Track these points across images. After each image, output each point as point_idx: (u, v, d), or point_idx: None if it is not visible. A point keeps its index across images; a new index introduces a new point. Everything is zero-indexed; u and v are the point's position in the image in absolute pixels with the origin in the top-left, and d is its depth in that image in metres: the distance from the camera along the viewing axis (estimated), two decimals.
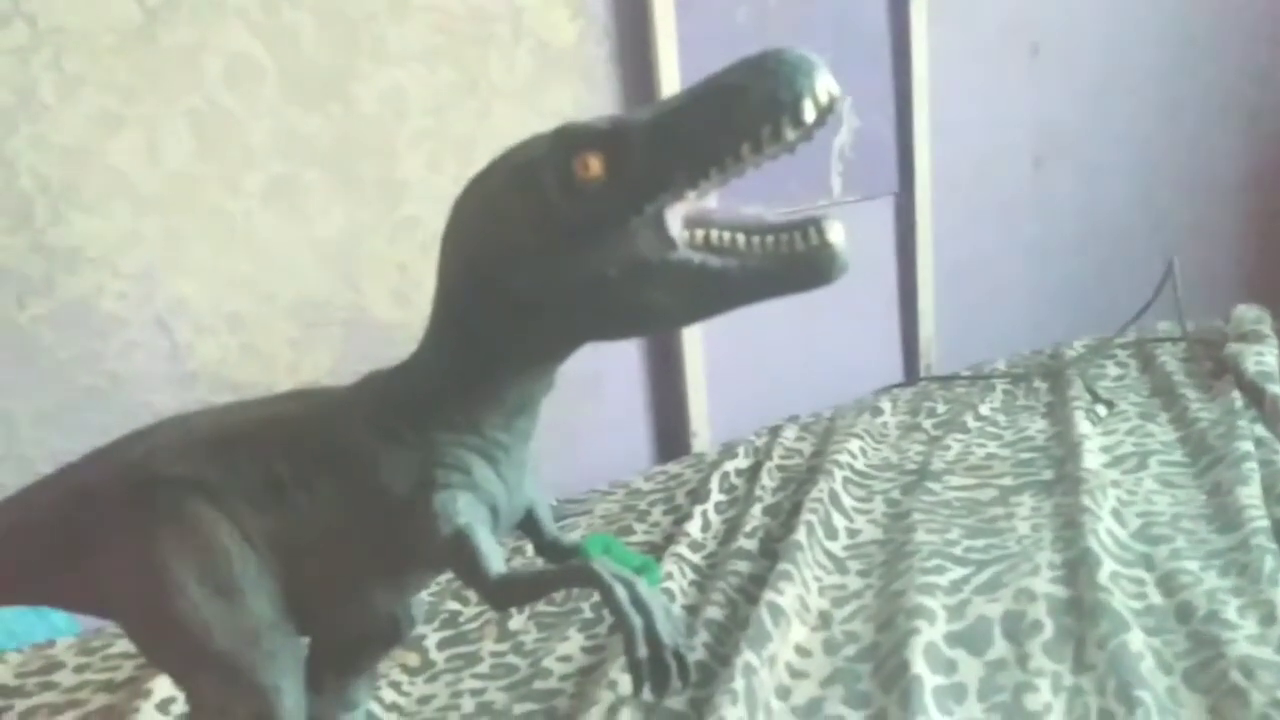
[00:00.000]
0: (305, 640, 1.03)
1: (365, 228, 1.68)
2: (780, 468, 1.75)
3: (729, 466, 1.74)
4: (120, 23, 1.49)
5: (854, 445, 1.76)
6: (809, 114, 0.81)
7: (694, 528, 1.55)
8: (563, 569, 0.95)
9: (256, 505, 0.95)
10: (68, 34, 1.46)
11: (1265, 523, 1.37)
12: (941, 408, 1.97)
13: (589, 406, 1.92)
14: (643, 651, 0.87)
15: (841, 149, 2.08)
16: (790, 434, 1.88)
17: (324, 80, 1.62)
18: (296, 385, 1.60)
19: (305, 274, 1.65)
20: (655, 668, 0.88)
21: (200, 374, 1.58)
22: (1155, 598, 1.27)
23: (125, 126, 1.51)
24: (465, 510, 0.93)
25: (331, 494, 0.95)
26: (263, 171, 1.59)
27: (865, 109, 2.09)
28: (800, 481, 1.68)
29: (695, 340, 1.97)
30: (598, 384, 1.92)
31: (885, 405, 2.00)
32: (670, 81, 1.82)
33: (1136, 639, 1.16)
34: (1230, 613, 1.21)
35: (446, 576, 1.29)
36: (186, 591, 0.93)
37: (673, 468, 1.84)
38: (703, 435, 2.00)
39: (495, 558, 0.92)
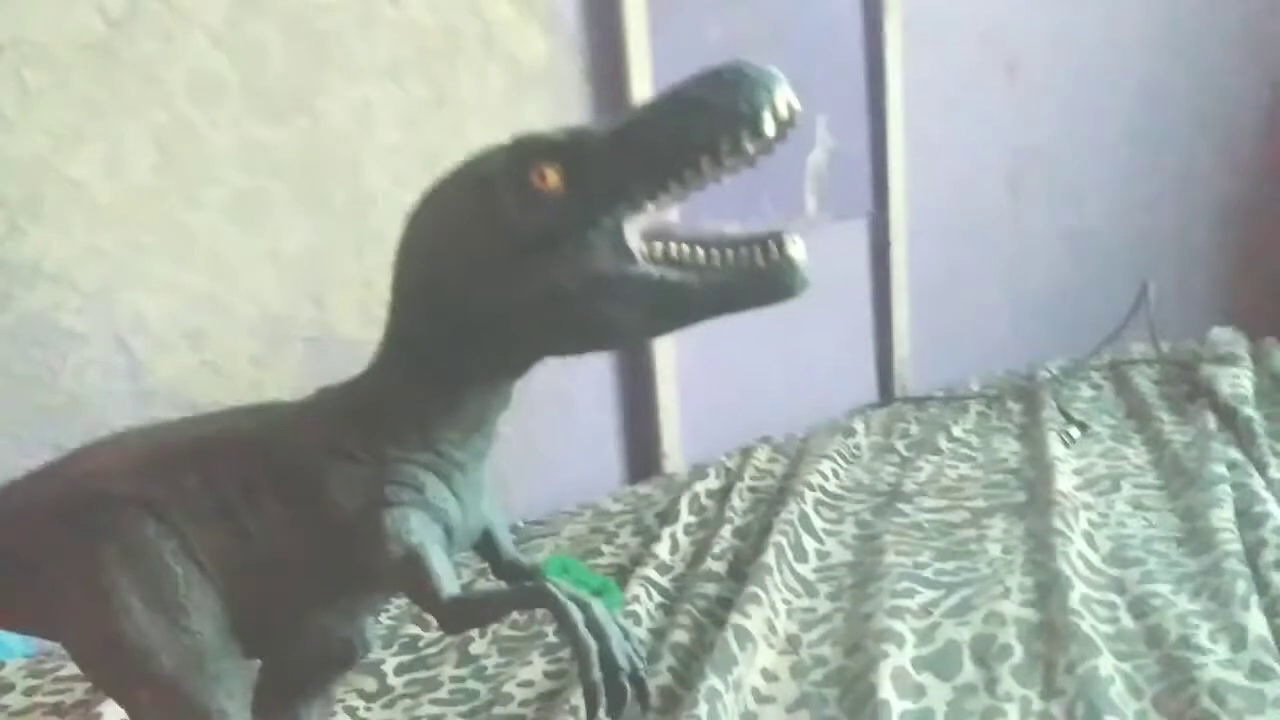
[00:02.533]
0: (255, 663, 1.00)
1: (331, 243, 1.65)
2: (751, 489, 1.73)
3: (699, 488, 1.72)
4: (82, 35, 1.46)
5: (826, 466, 1.74)
6: (768, 127, 0.80)
7: (662, 550, 1.53)
8: (516, 590, 0.93)
9: (203, 524, 0.93)
10: (29, 46, 1.44)
11: (1237, 546, 1.36)
12: (915, 429, 1.96)
13: (559, 426, 1.89)
14: (596, 674, 0.85)
15: (817, 168, 2.07)
16: (762, 455, 1.86)
17: (290, 94, 1.59)
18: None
19: (269, 290, 1.62)
20: (610, 691, 0.86)
21: (159, 392, 1.55)
22: (1126, 622, 1.26)
23: (86, 140, 1.48)
24: (417, 529, 0.91)
25: (280, 512, 0.93)
26: (226, 185, 1.57)
27: (840, 129, 2.08)
28: (771, 503, 1.66)
29: (668, 359, 1.94)
30: (568, 403, 1.89)
31: (859, 426, 1.98)
32: (643, 98, 1.80)
33: (1107, 663, 1.15)
34: (1202, 637, 1.20)
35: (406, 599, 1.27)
36: (130, 612, 0.91)
37: (642, 489, 1.82)
38: (674, 456, 1.98)
39: (448, 578, 0.90)
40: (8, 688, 1.33)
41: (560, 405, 1.88)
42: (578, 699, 1.14)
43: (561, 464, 1.90)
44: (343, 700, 1.24)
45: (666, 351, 1.94)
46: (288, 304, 1.63)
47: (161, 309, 1.55)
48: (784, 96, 0.81)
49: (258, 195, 1.59)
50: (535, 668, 1.28)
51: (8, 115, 1.44)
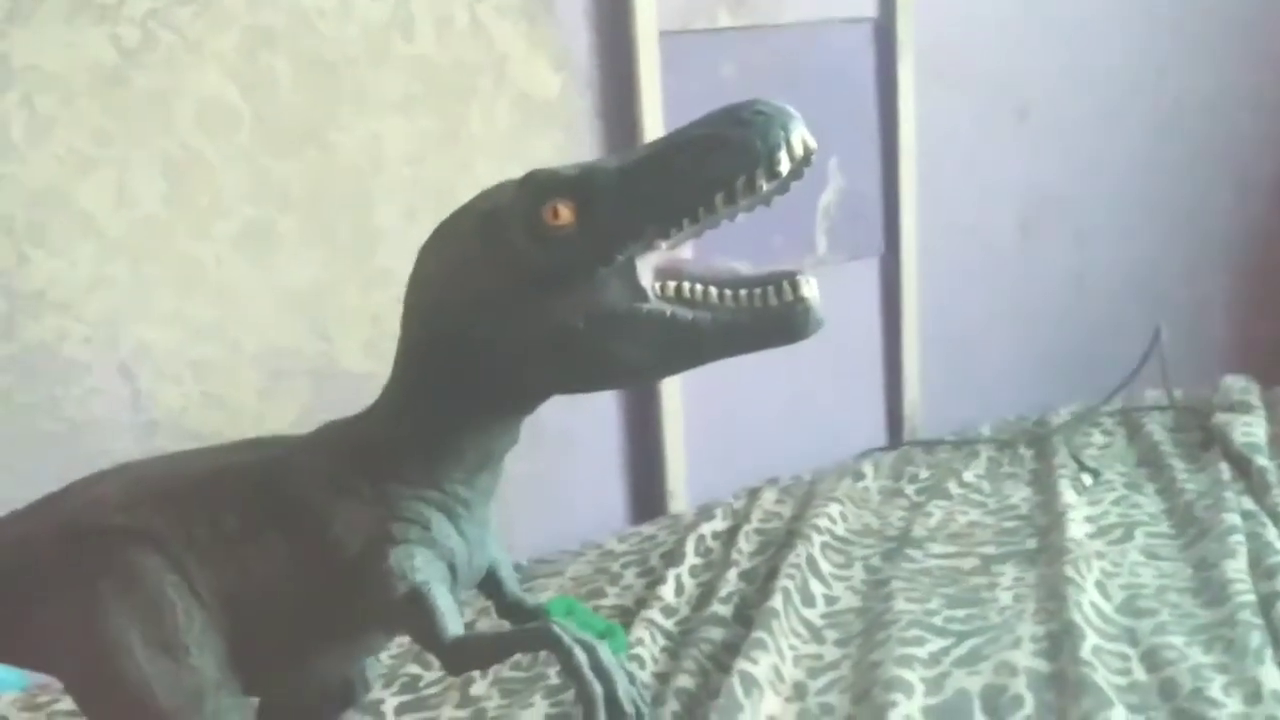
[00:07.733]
0: (254, 701, 0.98)
1: (338, 277, 1.65)
2: (758, 531, 1.70)
3: (705, 529, 1.70)
4: (95, 64, 1.46)
5: (834, 510, 1.72)
6: (784, 165, 0.79)
7: (667, 592, 1.51)
8: (521, 631, 0.91)
9: (205, 558, 0.92)
10: (41, 73, 1.43)
11: (1251, 597, 1.34)
12: (924, 473, 1.94)
13: (563, 464, 1.87)
14: (601, 718, 0.83)
15: (827, 207, 2.06)
16: (770, 497, 1.84)
17: (301, 127, 1.59)
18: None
19: (274, 322, 1.61)
20: None
21: (161, 422, 1.54)
22: (1139, 674, 1.23)
23: (95, 168, 1.48)
24: (422, 567, 0.89)
25: (282, 548, 0.92)
26: (234, 217, 1.56)
27: (851, 169, 2.07)
28: (778, 546, 1.64)
29: (674, 398, 1.93)
30: (572, 441, 1.88)
31: (867, 469, 1.96)
32: (654, 135, 1.80)
33: (1119, 716, 1.12)
34: (1215, 690, 1.17)
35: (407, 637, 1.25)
36: (129, 647, 0.90)
37: (647, 529, 1.79)
38: (680, 496, 1.96)
39: (452, 618, 0.89)
40: None
41: (565, 443, 1.86)
42: None
43: (566, 503, 1.88)
44: None
45: (672, 390, 1.92)
46: (293, 337, 1.62)
47: (167, 340, 1.54)
48: (800, 135, 0.80)
49: (266, 228, 1.58)
50: (537, 710, 1.25)
51: (18, 143, 1.43)
